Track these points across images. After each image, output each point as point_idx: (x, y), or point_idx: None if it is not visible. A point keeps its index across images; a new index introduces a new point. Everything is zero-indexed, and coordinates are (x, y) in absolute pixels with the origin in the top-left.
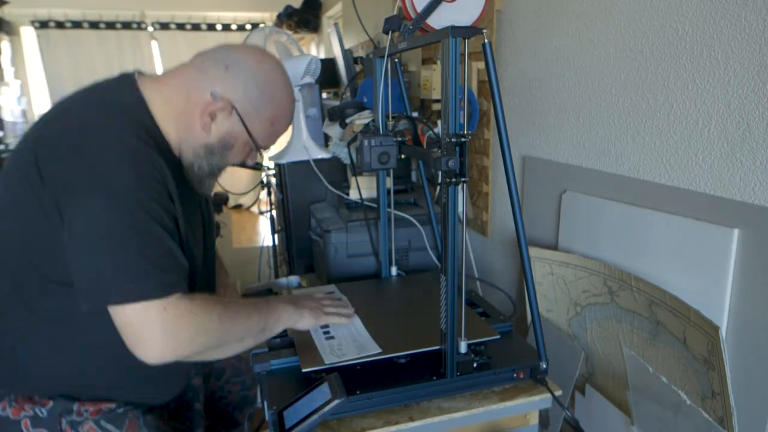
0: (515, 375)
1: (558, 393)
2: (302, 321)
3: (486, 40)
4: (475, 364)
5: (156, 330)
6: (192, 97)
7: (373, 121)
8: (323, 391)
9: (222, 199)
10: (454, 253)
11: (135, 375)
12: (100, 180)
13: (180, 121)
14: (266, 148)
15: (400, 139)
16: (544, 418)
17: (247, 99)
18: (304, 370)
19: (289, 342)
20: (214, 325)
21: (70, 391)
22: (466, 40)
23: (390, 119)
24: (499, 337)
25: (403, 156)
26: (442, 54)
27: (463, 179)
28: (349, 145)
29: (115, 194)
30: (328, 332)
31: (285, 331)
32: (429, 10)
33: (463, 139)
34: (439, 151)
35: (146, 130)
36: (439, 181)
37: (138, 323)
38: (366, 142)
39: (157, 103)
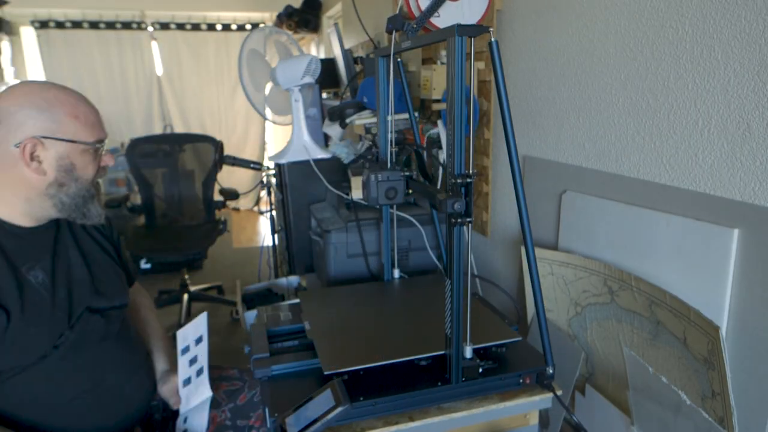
0: (521, 380)
1: (558, 393)
2: None
3: (493, 39)
4: (480, 370)
5: None
6: (3, 165)
7: (376, 147)
8: (326, 398)
9: (230, 195)
10: (460, 257)
11: None
12: None
13: (5, 192)
14: (100, 141)
15: (407, 173)
16: (544, 418)
17: (39, 121)
18: (326, 373)
19: (292, 347)
20: None
21: None
22: (472, 39)
23: (394, 145)
24: (506, 342)
25: (410, 191)
26: (448, 53)
27: (468, 219)
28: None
29: None
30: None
31: (305, 332)
32: (433, 7)
33: (468, 180)
34: (444, 193)
35: None
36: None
37: None
38: (372, 177)
39: None
